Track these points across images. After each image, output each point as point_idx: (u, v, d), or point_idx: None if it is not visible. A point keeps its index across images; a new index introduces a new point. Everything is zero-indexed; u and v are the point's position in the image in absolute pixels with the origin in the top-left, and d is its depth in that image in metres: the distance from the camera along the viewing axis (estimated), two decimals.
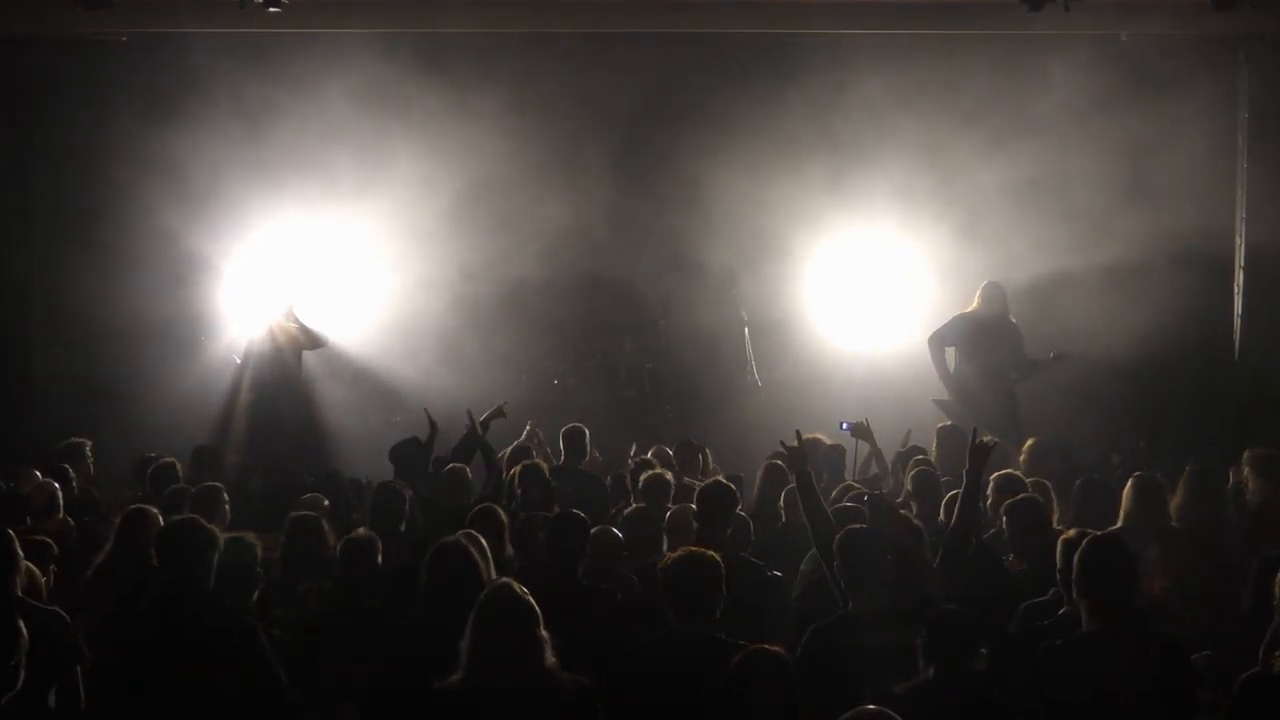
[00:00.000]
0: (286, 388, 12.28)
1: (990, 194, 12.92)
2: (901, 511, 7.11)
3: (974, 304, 11.97)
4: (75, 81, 13.32)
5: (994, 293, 11.93)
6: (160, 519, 6.68)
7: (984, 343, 11.80)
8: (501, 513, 7.13)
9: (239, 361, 12.66)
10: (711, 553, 5.59)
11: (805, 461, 6.60)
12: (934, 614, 5.22)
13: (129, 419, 12.37)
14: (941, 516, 7.61)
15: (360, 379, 13.34)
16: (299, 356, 12.48)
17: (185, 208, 13.07)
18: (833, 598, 5.94)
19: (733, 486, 7.02)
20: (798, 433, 6.82)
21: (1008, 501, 7.05)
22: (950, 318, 12.03)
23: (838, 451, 9.74)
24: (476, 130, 12.85)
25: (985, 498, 7.50)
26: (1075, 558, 5.21)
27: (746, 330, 13.54)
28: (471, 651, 4.90)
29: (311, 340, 12.49)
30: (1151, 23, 12.60)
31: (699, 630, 5.33)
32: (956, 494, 6.67)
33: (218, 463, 9.59)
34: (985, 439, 6.66)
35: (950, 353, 11.98)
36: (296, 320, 12.46)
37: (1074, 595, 5.32)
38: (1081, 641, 5.10)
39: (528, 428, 10.89)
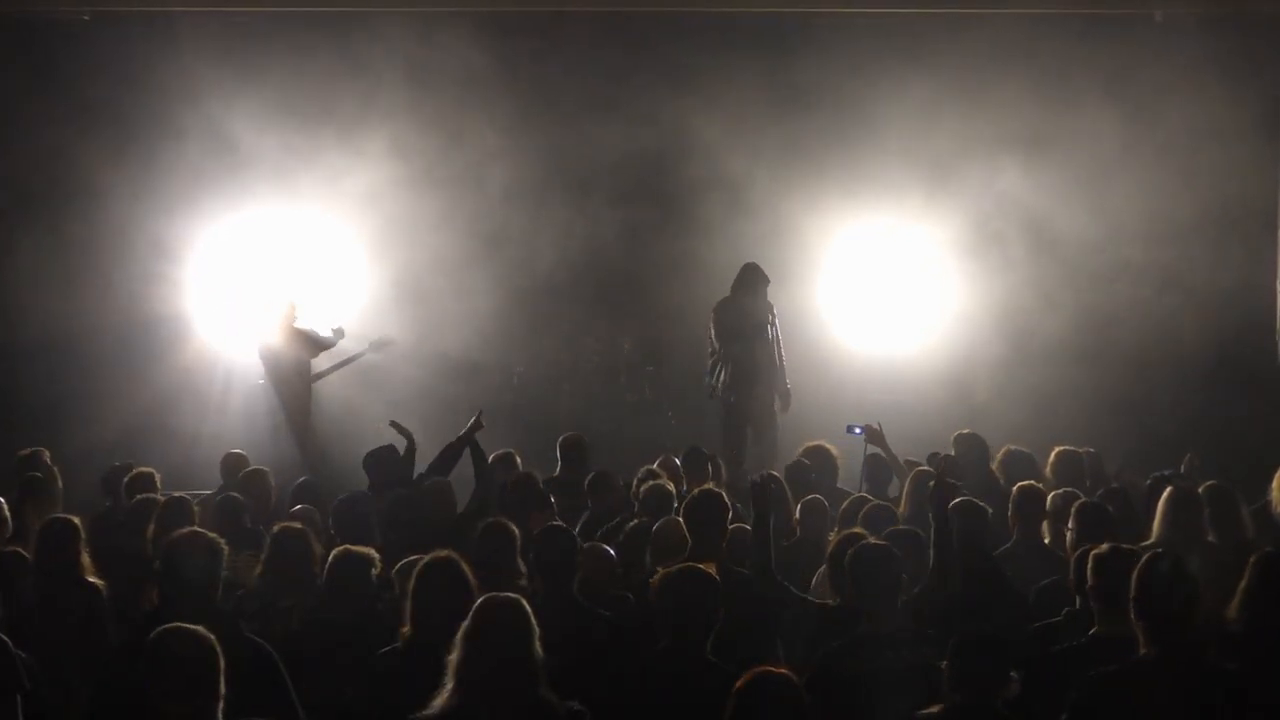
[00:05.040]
0: (293, 397, 12.15)
1: (1008, 187, 12.94)
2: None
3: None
4: (33, 63, 13.23)
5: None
6: None
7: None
8: (514, 527, 6.82)
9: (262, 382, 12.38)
10: (706, 567, 5.58)
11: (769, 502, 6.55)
12: (960, 636, 5.12)
13: (94, 427, 12.32)
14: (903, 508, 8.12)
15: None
16: (307, 363, 12.32)
17: (155, 198, 13.05)
18: (847, 619, 5.89)
19: (723, 495, 6.96)
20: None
21: (1077, 504, 7.11)
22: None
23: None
24: (473, 124, 12.88)
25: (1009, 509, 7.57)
26: (1134, 576, 5.11)
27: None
28: (460, 668, 4.81)
29: (319, 345, 12.33)
30: (1184, 2, 12.62)
31: (690, 651, 5.31)
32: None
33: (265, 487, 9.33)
34: (947, 480, 6.71)
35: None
36: (299, 324, 12.29)
37: (1115, 613, 5.28)
38: (1138, 668, 5.00)
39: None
